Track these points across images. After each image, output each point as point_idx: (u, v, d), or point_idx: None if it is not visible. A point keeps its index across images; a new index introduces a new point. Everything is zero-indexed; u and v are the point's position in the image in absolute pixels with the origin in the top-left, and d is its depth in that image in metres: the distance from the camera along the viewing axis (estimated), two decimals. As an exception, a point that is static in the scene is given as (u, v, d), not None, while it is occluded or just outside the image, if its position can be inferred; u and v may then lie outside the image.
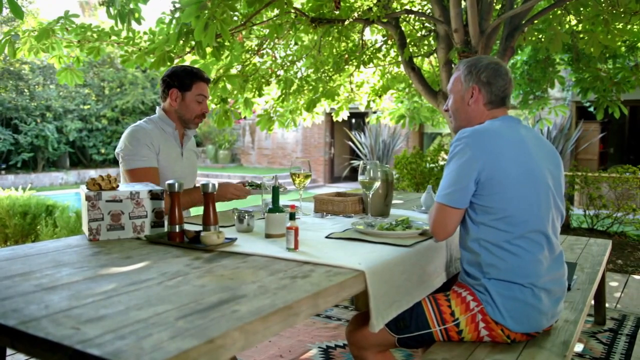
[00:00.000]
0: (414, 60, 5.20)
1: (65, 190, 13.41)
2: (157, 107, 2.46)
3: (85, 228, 1.75)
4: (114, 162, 17.20)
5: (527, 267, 1.62)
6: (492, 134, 1.64)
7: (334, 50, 5.26)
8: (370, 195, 2.11)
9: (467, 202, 1.64)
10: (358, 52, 5.28)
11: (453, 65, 4.48)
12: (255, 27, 4.58)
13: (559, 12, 4.59)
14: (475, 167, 1.59)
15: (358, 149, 13.63)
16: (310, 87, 5.28)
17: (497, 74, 1.75)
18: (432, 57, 5.81)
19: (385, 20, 4.64)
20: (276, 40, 4.83)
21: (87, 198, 1.67)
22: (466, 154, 1.61)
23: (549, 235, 1.67)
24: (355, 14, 4.59)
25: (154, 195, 1.78)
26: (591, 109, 6.91)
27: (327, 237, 1.79)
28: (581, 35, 4.95)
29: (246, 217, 1.86)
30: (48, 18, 4.29)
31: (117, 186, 1.77)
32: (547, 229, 1.66)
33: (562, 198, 1.77)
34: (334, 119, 6.35)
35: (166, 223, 1.75)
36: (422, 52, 5.65)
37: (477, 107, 1.78)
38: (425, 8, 5.41)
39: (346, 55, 5.23)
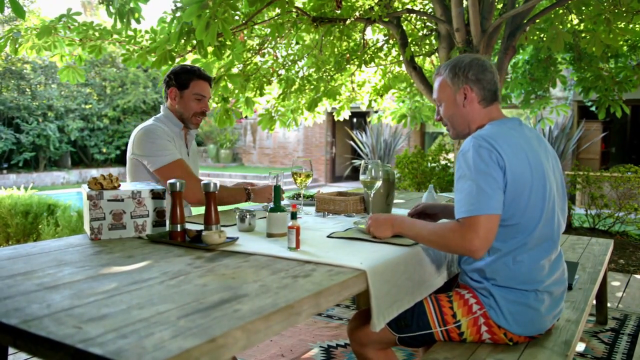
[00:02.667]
0: (416, 59, 5.20)
1: (67, 190, 13.43)
2: (162, 106, 2.45)
3: (86, 227, 1.75)
4: (116, 162, 17.22)
5: (531, 274, 1.60)
6: (503, 138, 1.57)
7: (336, 50, 5.26)
8: (372, 195, 2.11)
9: (501, 206, 1.53)
10: (359, 51, 5.28)
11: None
12: (256, 27, 4.58)
13: (561, 11, 4.59)
14: (500, 170, 1.52)
15: (359, 148, 13.63)
16: (312, 87, 5.28)
17: (483, 69, 1.69)
18: (433, 57, 5.80)
19: (386, 19, 4.64)
20: (277, 40, 4.83)
21: (89, 197, 1.68)
22: (485, 159, 1.52)
23: (556, 241, 1.66)
24: (357, 13, 4.59)
25: (156, 195, 1.78)
26: (593, 109, 6.91)
27: (328, 236, 1.79)
28: (583, 35, 4.95)
29: (248, 216, 1.86)
30: (50, 17, 4.30)
31: (119, 185, 1.77)
32: (554, 235, 1.65)
33: (565, 199, 1.76)
34: (336, 119, 6.36)
35: (167, 222, 1.75)
36: (424, 52, 5.65)
37: (472, 107, 1.71)
38: (427, 7, 5.40)
39: (347, 55, 5.23)
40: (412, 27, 5.57)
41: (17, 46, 4.16)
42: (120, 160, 16.99)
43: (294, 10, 4.10)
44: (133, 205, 1.74)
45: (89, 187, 1.72)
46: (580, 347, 2.85)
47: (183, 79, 2.37)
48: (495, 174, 1.52)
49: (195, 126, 2.45)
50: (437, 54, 5.34)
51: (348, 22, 4.45)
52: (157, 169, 2.21)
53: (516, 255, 1.60)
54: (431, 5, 4.81)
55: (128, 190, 1.73)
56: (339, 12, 4.52)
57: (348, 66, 5.37)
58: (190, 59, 4.07)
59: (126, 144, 2.64)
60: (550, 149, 1.76)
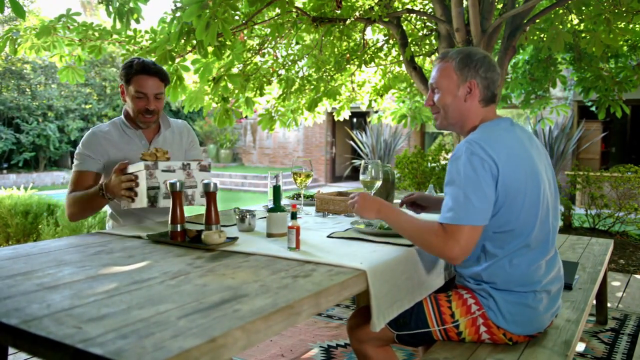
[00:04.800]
0: (416, 59, 5.19)
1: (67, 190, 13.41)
2: (124, 107, 2.32)
3: (143, 199, 1.84)
4: (116, 162, 17.20)
5: (529, 275, 1.60)
6: (498, 142, 1.55)
7: (336, 50, 5.25)
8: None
9: (487, 217, 1.51)
10: (359, 51, 5.28)
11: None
12: (256, 27, 4.58)
13: (561, 11, 4.59)
14: (491, 180, 1.50)
15: (359, 148, 13.63)
16: (312, 87, 5.28)
17: (492, 68, 1.65)
18: (433, 57, 5.80)
19: (386, 19, 4.64)
20: (277, 40, 4.83)
21: (146, 167, 1.79)
22: (477, 168, 1.49)
23: (552, 241, 1.66)
24: (357, 13, 4.59)
25: (203, 167, 1.93)
26: (593, 109, 6.91)
27: (328, 236, 1.79)
28: (583, 35, 4.95)
29: (248, 216, 1.86)
30: (49, 17, 4.29)
31: (169, 158, 1.94)
32: (549, 235, 1.64)
33: (557, 197, 1.75)
34: (336, 119, 6.35)
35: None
36: (424, 52, 5.65)
37: (472, 104, 1.66)
38: (427, 7, 5.40)
39: (347, 55, 5.23)
40: (412, 27, 5.57)
41: (16, 46, 4.16)
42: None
43: (294, 10, 4.10)
44: (183, 176, 1.88)
45: (144, 159, 1.86)
46: (580, 347, 2.85)
47: (125, 74, 2.18)
48: (485, 184, 1.49)
49: (145, 125, 2.25)
50: (437, 54, 5.34)
51: (348, 22, 4.45)
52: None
53: (512, 258, 1.59)
54: (431, 5, 4.80)
55: (179, 162, 1.90)
56: (339, 12, 4.51)
57: (348, 66, 5.36)
58: (190, 59, 4.07)
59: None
60: (542, 148, 1.74)
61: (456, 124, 1.71)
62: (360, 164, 2.12)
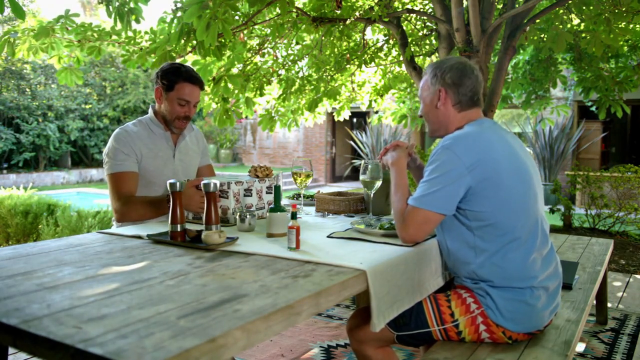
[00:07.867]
0: (416, 59, 5.20)
1: (67, 190, 13.42)
2: (151, 105, 2.38)
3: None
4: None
5: (524, 270, 1.62)
6: (478, 138, 1.62)
7: (336, 50, 5.26)
8: (372, 195, 2.11)
9: (453, 208, 1.61)
10: (359, 51, 5.27)
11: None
12: (256, 27, 4.58)
13: (561, 11, 4.59)
14: (464, 176, 1.56)
15: (359, 148, 13.64)
16: (312, 87, 5.28)
17: (462, 74, 1.73)
18: (433, 57, 5.80)
19: (386, 19, 4.64)
20: (277, 40, 4.82)
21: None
22: (454, 163, 1.57)
23: (541, 231, 1.68)
24: (357, 14, 4.59)
25: (269, 189, 2.18)
26: (593, 109, 6.91)
27: (328, 236, 1.79)
28: (583, 35, 4.95)
29: (248, 216, 1.86)
30: (48, 17, 4.28)
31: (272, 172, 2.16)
32: (538, 226, 1.67)
33: (542, 192, 1.78)
34: (336, 119, 6.35)
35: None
36: (424, 52, 5.65)
37: (446, 109, 1.75)
38: (427, 7, 5.40)
39: (348, 55, 5.23)
40: (412, 27, 5.57)
41: (14, 48, 4.14)
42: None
43: (294, 10, 4.10)
44: (256, 199, 2.13)
45: (251, 176, 2.07)
46: (580, 347, 2.85)
47: (169, 79, 2.23)
48: (456, 178, 1.57)
49: (178, 130, 2.33)
50: (437, 54, 5.34)
51: (348, 22, 4.45)
52: (107, 175, 2.23)
53: (505, 253, 1.61)
54: (431, 5, 4.80)
55: (277, 173, 2.17)
56: (339, 12, 4.51)
57: (348, 66, 5.36)
58: (190, 59, 4.06)
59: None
60: (525, 147, 1.81)
61: (439, 129, 1.81)
62: (360, 164, 2.12)
